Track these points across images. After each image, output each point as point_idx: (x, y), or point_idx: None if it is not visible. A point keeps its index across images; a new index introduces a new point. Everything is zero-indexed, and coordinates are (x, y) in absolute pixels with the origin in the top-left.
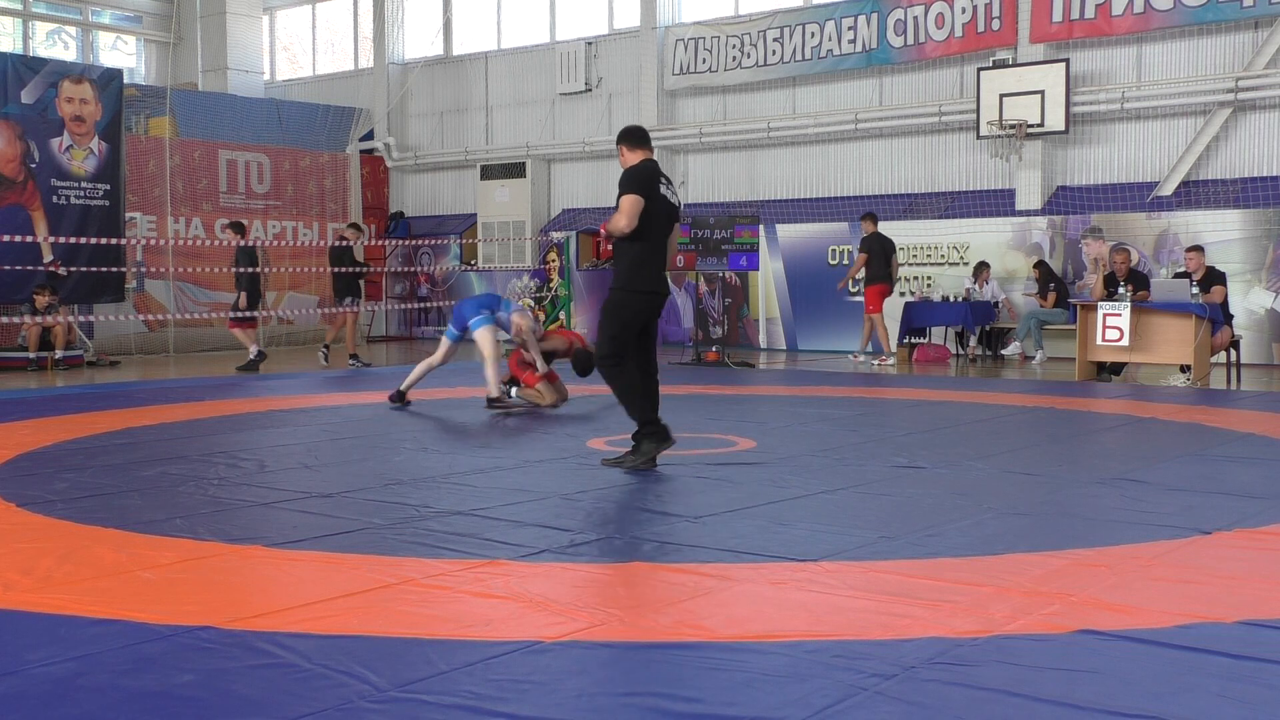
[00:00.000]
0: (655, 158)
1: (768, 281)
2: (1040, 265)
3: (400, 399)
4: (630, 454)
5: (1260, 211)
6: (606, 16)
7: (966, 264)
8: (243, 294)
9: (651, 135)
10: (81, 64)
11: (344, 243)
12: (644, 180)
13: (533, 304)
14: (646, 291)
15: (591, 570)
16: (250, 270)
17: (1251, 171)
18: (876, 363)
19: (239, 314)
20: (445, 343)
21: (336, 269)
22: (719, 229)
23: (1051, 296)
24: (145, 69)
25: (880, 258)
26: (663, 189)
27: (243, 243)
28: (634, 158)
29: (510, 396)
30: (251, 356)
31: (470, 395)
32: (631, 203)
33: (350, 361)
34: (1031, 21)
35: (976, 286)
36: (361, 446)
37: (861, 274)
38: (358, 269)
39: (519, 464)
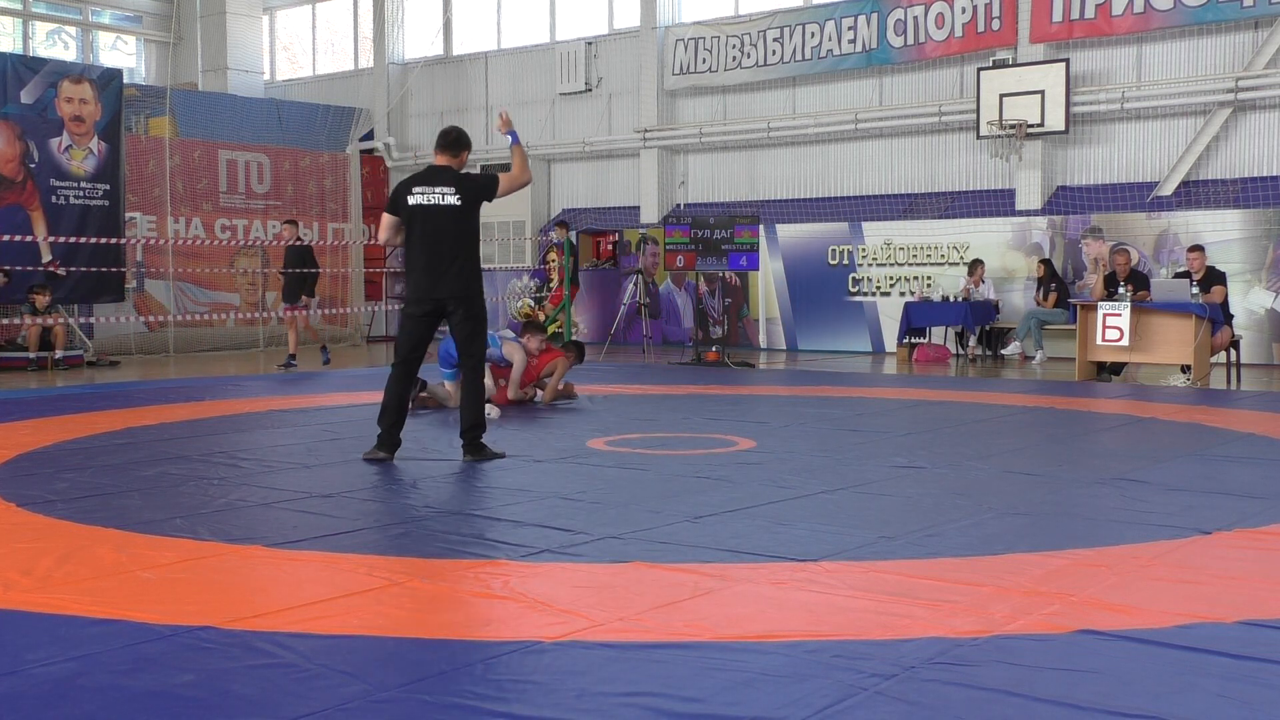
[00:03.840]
0: (449, 163)
1: (768, 281)
2: (1045, 263)
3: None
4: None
5: (1260, 211)
6: (606, 16)
7: (967, 264)
8: (304, 294)
9: (652, 135)
10: (81, 64)
11: (299, 242)
12: (392, 194)
13: (532, 304)
14: (407, 299)
15: (591, 570)
16: (303, 270)
17: (1251, 171)
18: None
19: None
20: (449, 385)
21: (296, 270)
22: (719, 229)
23: (1052, 297)
24: (145, 69)
25: None
26: (416, 197)
27: (297, 241)
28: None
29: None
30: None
31: None
32: (381, 220)
33: (287, 365)
34: (1031, 21)
35: (971, 285)
36: (361, 446)
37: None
38: (314, 270)
39: (519, 464)
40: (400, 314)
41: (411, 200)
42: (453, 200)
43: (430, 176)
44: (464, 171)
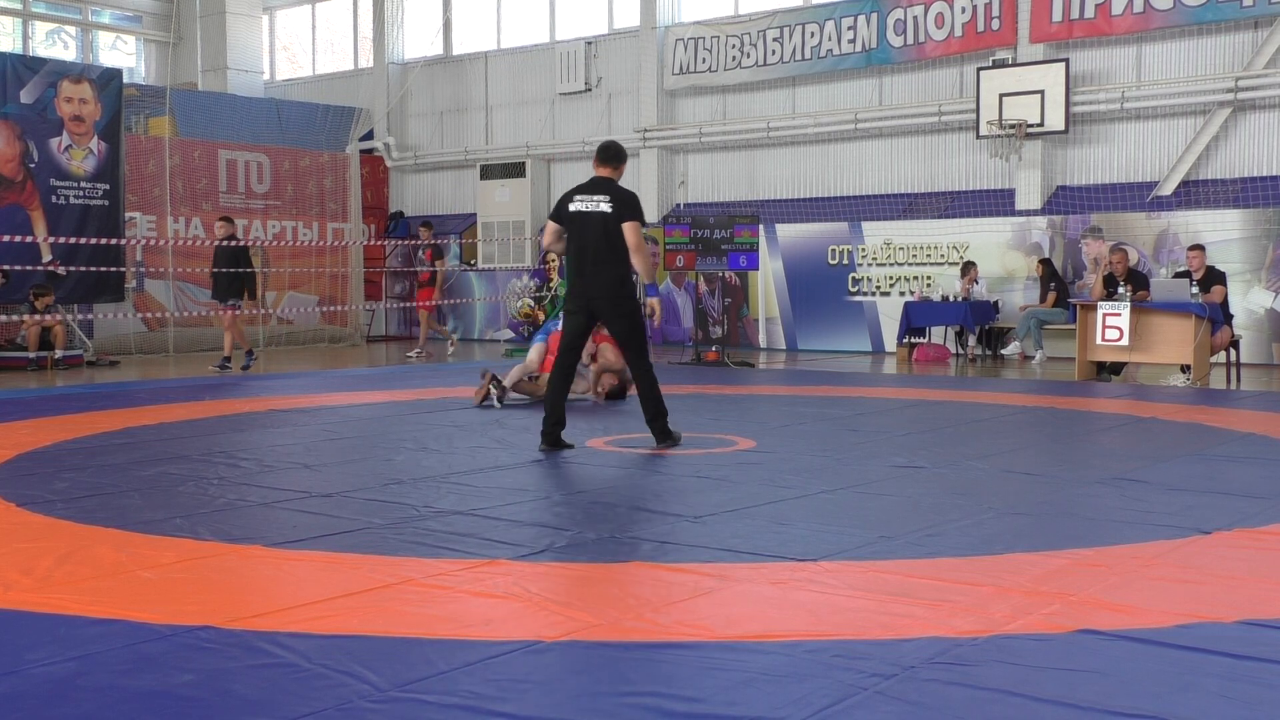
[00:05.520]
0: (610, 174)
1: (767, 281)
2: (1045, 263)
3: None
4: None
5: (1260, 211)
6: (606, 16)
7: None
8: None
9: (651, 135)
10: (81, 64)
11: (235, 242)
12: (556, 203)
13: (532, 304)
14: (567, 299)
15: (592, 570)
16: (236, 270)
17: (1251, 171)
18: None
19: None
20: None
21: (233, 269)
22: (719, 229)
23: (1051, 297)
24: (145, 69)
25: None
26: (576, 205)
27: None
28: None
29: (497, 404)
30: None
31: (468, 395)
32: (545, 227)
33: (222, 367)
34: (1031, 21)
35: (965, 285)
36: (361, 446)
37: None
38: (250, 269)
39: (519, 464)
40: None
41: (572, 208)
42: (605, 207)
43: (591, 186)
44: (620, 186)
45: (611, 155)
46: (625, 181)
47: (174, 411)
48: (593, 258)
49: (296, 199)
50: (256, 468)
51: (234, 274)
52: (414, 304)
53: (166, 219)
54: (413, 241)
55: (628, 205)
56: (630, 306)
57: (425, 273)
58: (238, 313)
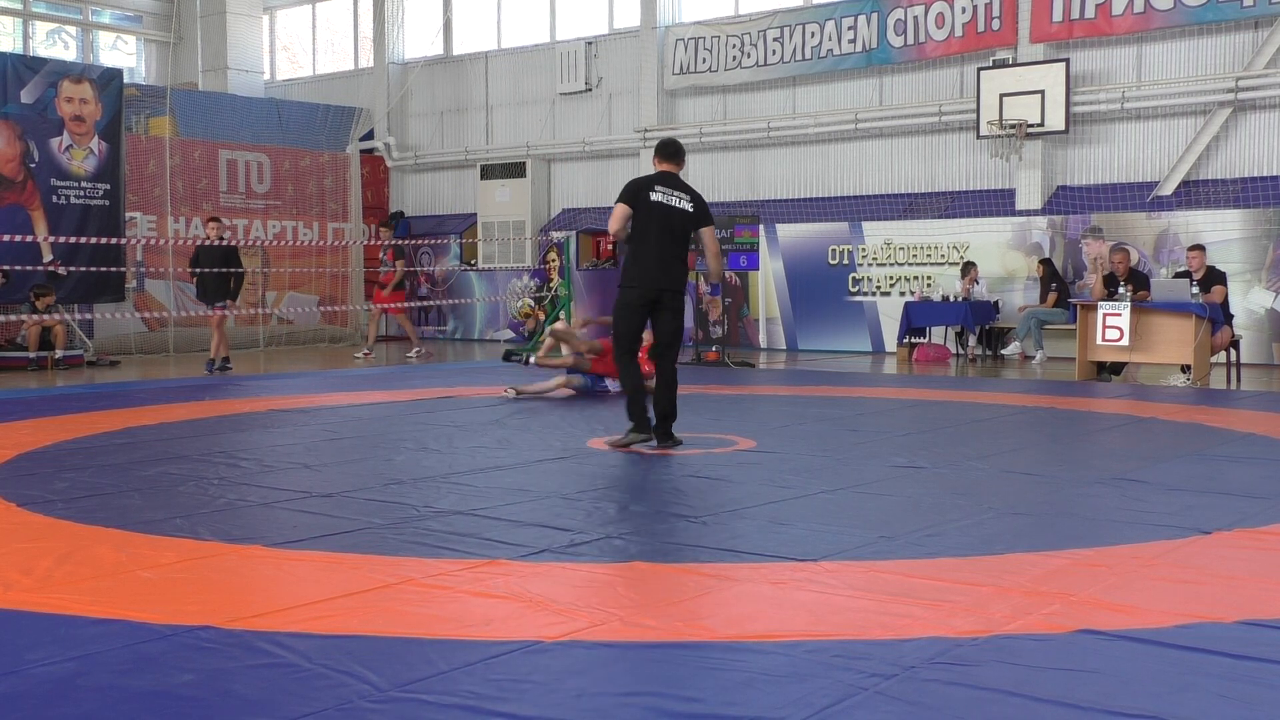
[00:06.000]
0: (676, 171)
1: (768, 281)
2: (1045, 263)
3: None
4: (620, 435)
5: (1260, 211)
6: (606, 16)
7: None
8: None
9: (652, 135)
10: (81, 64)
11: (223, 241)
12: (631, 188)
13: (533, 304)
14: (631, 286)
15: (591, 570)
16: (226, 270)
17: (1251, 171)
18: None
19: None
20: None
21: (218, 270)
22: (719, 229)
23: (1052, 297)
24: (145, 69)
25: None
26: (657, 195)
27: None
28: (654, 167)
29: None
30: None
31: (469, 395)
32: (615, 210)
33: (215, 369)
34: (1031, 21)
35: (965, 285)
36: (361, 446)
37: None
38: (239, 270)
39: (519, 464)
40: (620, 305)
41: (653, 197)
42: (687, 207)
43: (668, 181)
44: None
45: (679, 152)
46: (625, 181)
47: (174, 411)
48: (671, 252)
49: (297, 199)
50: (256, 468)
51: (224, 275)
52: (381, 307)
53: (167, 219)
54: (389, 244)
55: (707, 210)
56: (683, 305)
57: (388, 273)
58: (225, 314)
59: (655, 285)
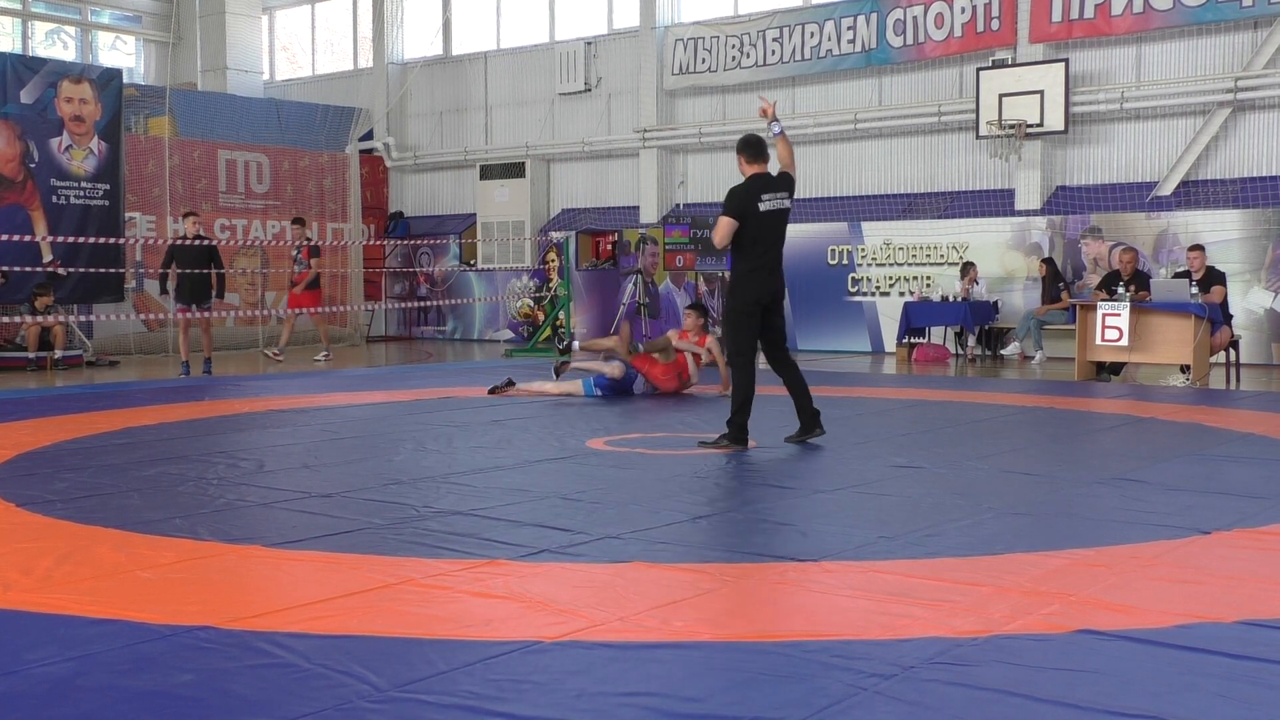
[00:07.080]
0: (765, 169)
1: None
2: (1047, 263)
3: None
4: (716, 438)
5: (1260, 211)
6: (606, 16)
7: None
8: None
9: (651, 135)
10: (81, 64)
11: (204, 240)
12: (739, 201)
13: (532, 304)
14: (747, 297)
15: (591, 570)
16: (206, 270)
17: (1251, 171)
18: None
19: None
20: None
21: (198, 270)
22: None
23: (1064, 297)
24: (145, 69)
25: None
26: (764, 204)
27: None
28: (748, 171)
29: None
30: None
31: (468, 395)
32: (723, 224)
33: (203, 371)
34: (1031, 21)
35: (965, 285)
36: (361, 446)
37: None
38: (221, 269)
39: (519, 464)
40: (737, 315)
41: (763, 207)
42: (787, 204)
43: (769, 184)
44: (781, 175)
45: (761, 149)
46: (624, 181)
47: (174, 411)
48: (779, 255)
49: (296, 199)
50: (256, 468)
51: (205, 276)
52: (296, 310)
53: (166, 219)
54: (303, 243)
55: (793, 182)
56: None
57: (302, 273)
58: (205, 314)
59: (771, 292)
